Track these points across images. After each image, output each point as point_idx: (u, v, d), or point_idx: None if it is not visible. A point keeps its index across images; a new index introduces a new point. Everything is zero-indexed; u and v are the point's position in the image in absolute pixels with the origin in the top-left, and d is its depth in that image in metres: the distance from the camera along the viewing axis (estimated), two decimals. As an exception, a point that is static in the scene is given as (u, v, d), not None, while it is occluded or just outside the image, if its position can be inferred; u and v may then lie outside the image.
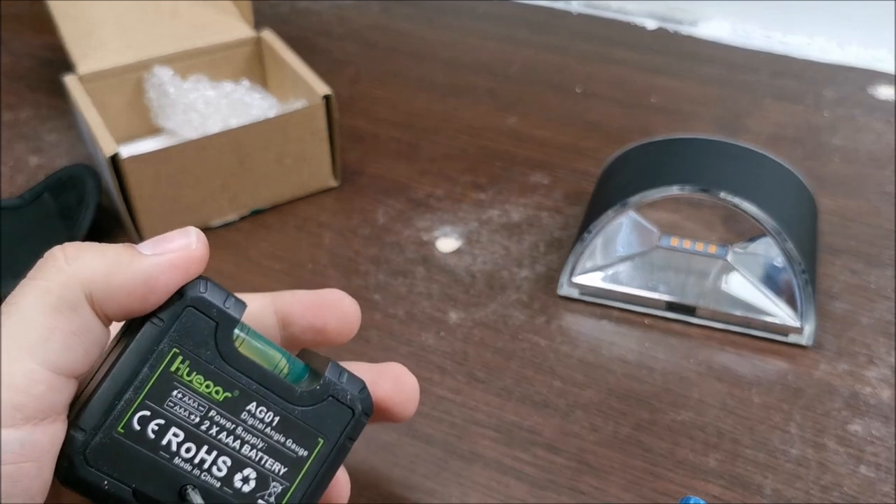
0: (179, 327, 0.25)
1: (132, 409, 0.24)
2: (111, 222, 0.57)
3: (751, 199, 0.46)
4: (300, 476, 0.28)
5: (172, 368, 0.25)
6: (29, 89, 0.72)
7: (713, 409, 0.44)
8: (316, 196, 0.59)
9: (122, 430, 0.24)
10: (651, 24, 0.80)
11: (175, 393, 0.25)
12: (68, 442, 0.24)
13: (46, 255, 0.24)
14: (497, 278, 0.52)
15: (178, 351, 0.25)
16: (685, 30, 0.79)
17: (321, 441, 0.28)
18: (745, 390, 0.45)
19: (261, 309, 0.29)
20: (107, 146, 0.51)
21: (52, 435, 0.23)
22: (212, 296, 0.25)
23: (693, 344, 0.47)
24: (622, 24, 0.81)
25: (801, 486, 0.40)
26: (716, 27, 0.79)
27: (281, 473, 0.27)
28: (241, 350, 0.26)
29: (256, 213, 0.58)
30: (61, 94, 0.70)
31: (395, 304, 0.50)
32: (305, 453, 0.28)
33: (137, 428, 0.25)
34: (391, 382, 0.30)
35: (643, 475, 0.41)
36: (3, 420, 0.22)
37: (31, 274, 0.24)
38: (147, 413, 0.25)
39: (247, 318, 0.28)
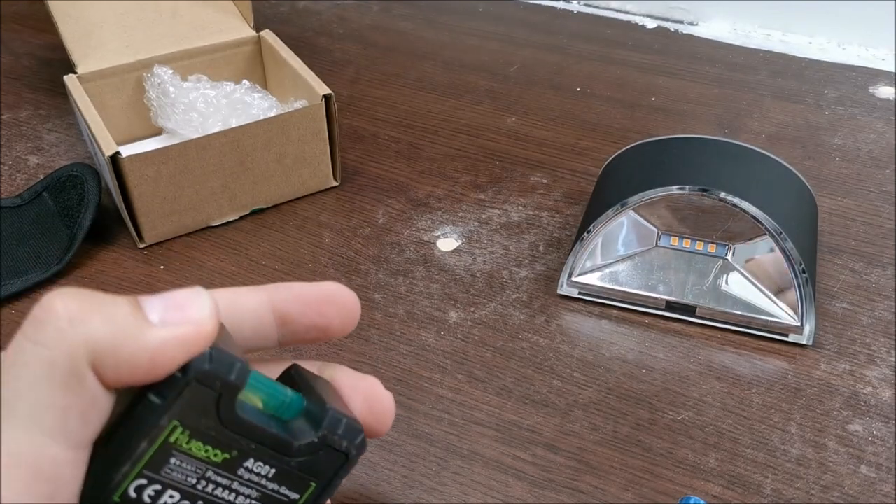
0: (181, 403, 0.24)
1: (129, 481, 0.24)
2: (111, 222, 0.57)
3: (751, 199, 0.46)
4: None
5: (172, 440, 0.24)
6: (29, 89, 0.72)
7: (713, 409, 0.44)
8: (316, 196, 0.59)
9: (118, 500, 0.24)
10: (651, 24, 0.80)
11: (173, 461, 0.25)
12: None
13: (45, 305, 0.22)
14: (497, 278, 0.52)
15: (177, 423, 0.24)
16: (685, 30, 0.79)
17: (313, 485, 0.28)
18: (744, 390, 0.45)
19: (256, 309, 0.28)
20: (107, 146, 0.51)
21: None
22: (217, 368, 0.24)
23: (693, 343, 0.47)
24: (622, 23, 0.81)
25: (801, 485, 0.40)
26: (716, 27, 0.79)
27: None
28: (240, 397, 0.25)
29: (256, 212, 0.58)
30: (61, 93, 0.70)
31: (395, 303, 0.50)
32: (297, 496, 0.27)
33: (133, 496, 0.24)
34: (363, 401, 0.29)
35: (643, 475, 0.41)
36: None
37: (29, 332, 0.21)
38: (144, 482, 0.24)
39: (243, 320, 0.28)
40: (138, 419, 0.24)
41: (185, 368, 0.24)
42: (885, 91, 0.69)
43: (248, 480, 0.26)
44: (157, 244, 0.55)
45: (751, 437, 0.42)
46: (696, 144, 0.51)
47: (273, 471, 0.27)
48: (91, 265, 0.54)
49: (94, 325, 0.22)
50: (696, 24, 0.80)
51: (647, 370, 0.46)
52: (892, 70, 0.72)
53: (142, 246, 0.55)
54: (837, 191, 0.59)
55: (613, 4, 0.83)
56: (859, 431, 0.42)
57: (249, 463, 0.26)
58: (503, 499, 0.40)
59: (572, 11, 0.83)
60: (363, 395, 0.29)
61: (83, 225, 0.53)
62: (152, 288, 0.52)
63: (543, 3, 0.85)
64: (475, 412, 0.44)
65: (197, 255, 0.54)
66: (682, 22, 0.80)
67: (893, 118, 0.66)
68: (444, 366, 0.46)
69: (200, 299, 0.24)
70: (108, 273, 0.53)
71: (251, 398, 0.26)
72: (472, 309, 0.50)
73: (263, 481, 0.27)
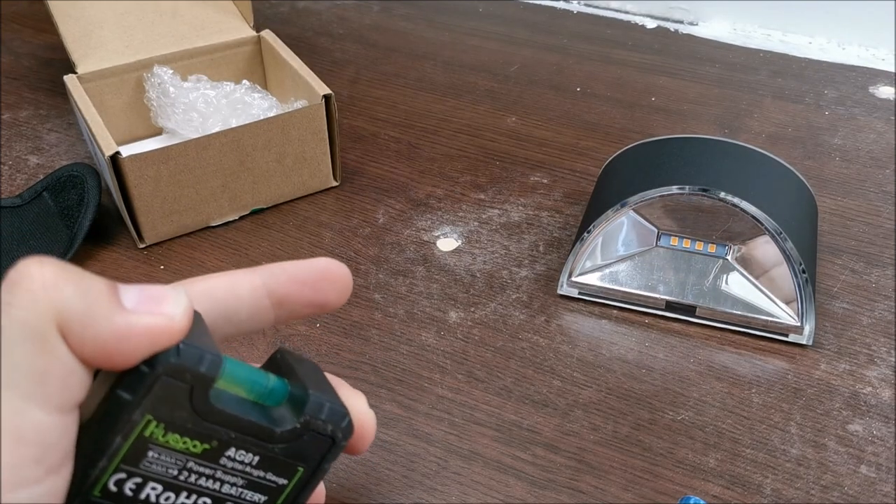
0: (152, 397, 0.24)
1: (107, 475, 0.24)
2: (111, 222, 0.57)
3: (751, 199, 0.46)
4: (280, 501, 0.27)
5: (147, 433, 0.24)
6: (29, 89, 0.72)
7: (713, 409, 0.44)
8: (316, 196, 0.59)
9: (99, 494, 0.24)
10: (651, 24, 0.80)
11: (151, 454, 0.24)
12: None
13: (21, 270, 0.22)
14: (497, 278, 0.52)
15: (151, 418, 0.24)
16: (685, 30, 0.79)
17: (300, 469, 0.27)
18: (744, 390, 0.45)
19: (252, 293, 0.28)
20: (107, 146, 0.51)
21: (70, 478, 0.23)
22: (186, 360, 0.24)
23: (693, 343, 0.47)
24: (622, 23, 0.81)
25: (801, 485, 0.40)
26: (716, 27, 0.79)
27: (261, 502, 0.27)
28: (220, 385, 0.25)
29: (256, 212, 0.58)
30: (61, 93, 0.70)
31: (395, 303, 0.50)
32: (285, 482, 0.27)
33: (114, 490, 0.24)
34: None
35: (643, 475, 0.41)
36: (27, 477, 0.21)
37: (4, 296, 0.21)
38: (123, 476, 0.24)
39: (239, 305, 0.27)
40: (111, 414, 0.24)
41: (152, 363, 0.23)
42: (885, 91, 0.69)
43: (232, 469, 0.26)
44: (157, 244, 0.55)
45: (751, 437, 0.42)
46: (696, 144, 0.51)
47: (257, 458, 0.26)
48: (91, 265, 0.54)
49: (66, 294, 0.22)
50: (696, 24, 0.80)
51: (647, 370, 0.46)
52: (892, 70, 0.72)
53: (142, 246, 0.55)
54: (837, 191, 0.59)
55: (613, 4, 0.83)
56: (859, 431, 0.42)
57: (231, 452, 0.26)
58: (503, 499, 0.40)
59: (572, 11, 0.83)
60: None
61: (83, 225, 0.53)
62: (152, 288, 0.52)
63: (543, 3, 0.85)
64: (475, 412, 0.44)
65: (197, 255, 0.54)
66: (682, 22, 0.80)
67: (893, 118, 0.66)
68: (444, 366, 0.46)
69: (177, 295, 0.24)
70: (108, 273, 0.53)
71: (233, 387, 0.26)
72: (472, 309, 0.50)
73: (248, 469, 0.26)
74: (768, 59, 0.74)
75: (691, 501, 0.38)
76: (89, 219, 0.53)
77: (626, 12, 0.82)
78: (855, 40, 0.75)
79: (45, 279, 0.21)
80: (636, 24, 0.80)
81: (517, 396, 0.45)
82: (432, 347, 0.48)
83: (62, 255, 0.53)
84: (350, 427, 0.28)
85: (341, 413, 0.27)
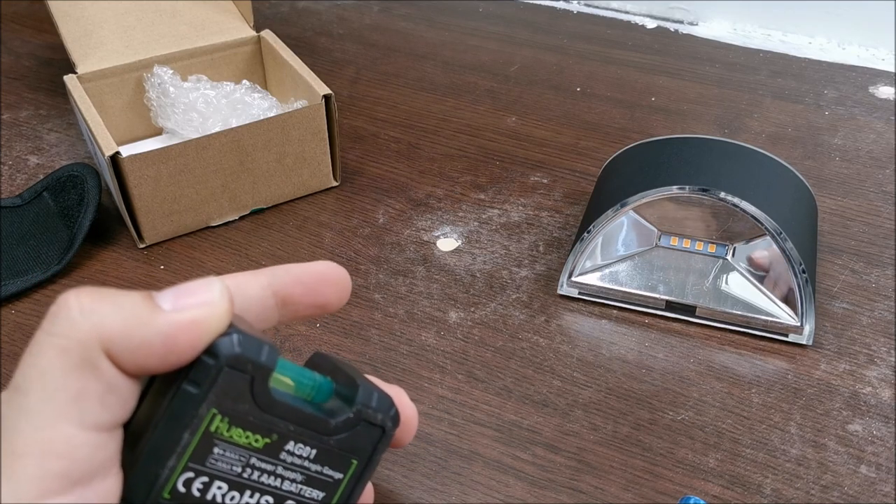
0: (217, 389, 0.24)
1: (176, 475, 0.24)
2: (111, 222, 0.57)
3: (750, 199, 0.46)
4: (336, 497, 0.28)
5: (212, 428, 0.24)
6: (29, 89, 0.72)
7: (713, 409, 0.44)
8: (316, 196, 0.59)
9: (168, 496, 0.24)
10: (651, 24, 0.80)
11: (216, 450, 0.25)
12: None
13: (60, 301, 0.23)
14: (497, 278, 0.52)
15: (216, 411, 0.24)
16: (685, 30, 0.79)
17: (354, 462, 0.28)
18: (744, 390, 0.45)
19: (259, 293, 0.28)
20: (107, 146, 0.51)
21: (104, 492, 0.23)
22: (246, 351, 0.24)
23: (692, 343, 0.47)
24: (622, 23, 0.81)
25: (801, 485, 0.40)
26: (716, 27, 0.79)
27: (319, 499, 0.28)
28: (271, 384, 0.26)
29: (256, 212, 0.58)
30: (61, 93, 0.70)
31: (395, 303, 0.50)
32: (340, 475, 0.28)
33: (183, 490, 0.24)
34: None
35: (643, 475, 0.41)
36: (50, 489, 0.21)
37: (45, 325, 0.23)
38: (191, 475, 0.24)
39: (249, 305, 0.28)
40: (176, 411, 0.24)
41: (215, 354, 0.24)
42: (885, 91, 0.69)
43: (292, 464, 0.27)
44: (157, 244, 0.55)
45: (751, 437, 0.42)
46: (696, 144, 0.51)
47: (314, 452, 0.27)
48: (91, 265, 0.54)
49: (104, 314, 0.23)
50: (696, 24, 0.80)
51: (647, 370, 0.46)
52: (892, 70, 0.72)
53: (142, 246, 0.55)
54: (837, 191, 0.59)
55: (613, 4, 0.83)
56: (859, 431, 0.42)
57: (290, 446, 0.26)
58: (503, 499, 0.40)
59: (572, 11, 0.83)
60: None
61: (83, 225, 0.53)
62: (152, 288, 0.52)
63: (543, 3, 0.85)
64: (475, 412, 0.44)
65: (197, 255, 0.54)
66: (682, 22, 0.80)
67: (893, 118, 0.66)
68: (444, 366, 0.46)
69: (211, 284, 0.25)
70: (108, 273, 0.53)
71: (282, 384, 0.26)
72: (472, 309, 0.50)
73: (306, 463, 0.27)
74: (768, 59, 0.74)
75: (691, 501, 0.38)
76: (89, 219, 0.53)
77: (626, 12, 0.82)
78: (855, 40, 0.75)
79: (82, 305, 0.23)
80: (636, 24, 0.80)
81: (517, 396, 0.45)
82: (432, 347, 0.48)
83: (62, 255, 0.53)
84: (397, 416, 0.29)
85: (389, 402, 0.28)
